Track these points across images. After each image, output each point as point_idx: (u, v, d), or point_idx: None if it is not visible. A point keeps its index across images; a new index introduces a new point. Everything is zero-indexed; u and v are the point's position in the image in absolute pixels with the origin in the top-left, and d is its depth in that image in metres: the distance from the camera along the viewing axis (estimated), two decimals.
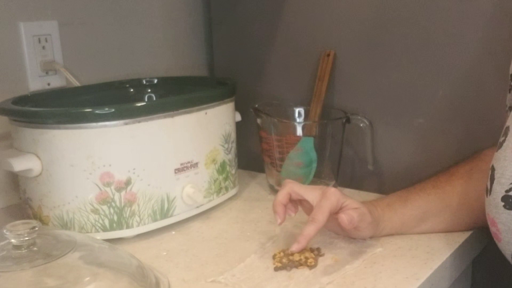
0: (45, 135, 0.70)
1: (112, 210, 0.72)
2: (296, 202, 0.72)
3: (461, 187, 0.73)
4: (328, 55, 0.92)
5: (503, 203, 0.58)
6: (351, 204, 0.68)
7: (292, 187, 0.70)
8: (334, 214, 0.68)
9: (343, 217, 0.66)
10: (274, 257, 0.69)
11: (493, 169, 0.61)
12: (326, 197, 0.67)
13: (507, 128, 0.62)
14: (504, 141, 0.61)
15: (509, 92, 0.71)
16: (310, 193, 0.69)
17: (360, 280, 0.63)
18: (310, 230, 0.66)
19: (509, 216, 0.58)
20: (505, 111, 0.73)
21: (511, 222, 0.58)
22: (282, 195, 0.70)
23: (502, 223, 0.59)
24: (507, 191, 0.58)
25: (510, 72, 0.71)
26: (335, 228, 0.73)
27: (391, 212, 0.73)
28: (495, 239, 0.62)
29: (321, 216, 0.66)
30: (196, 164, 0.80)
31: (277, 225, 0.71)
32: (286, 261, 0.67)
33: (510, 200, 0.58)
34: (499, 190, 0.59)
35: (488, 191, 0.61)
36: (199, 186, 0.81)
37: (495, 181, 0.60)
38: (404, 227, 0.73)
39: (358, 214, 0.67)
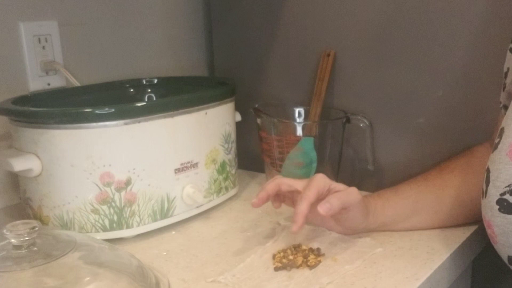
0: (45, 135, 0.70)
1: (112, 210, 0.72)
2: (281, 198, 0.74)
3: (451, 181, 0.74)
4: (328, 55, 0.92)
5: (498, 206, 0.58)
6: (338, 186, 0.70)
7: (281, 179, 0.72)
8: (322, 197, 0.68)
9: (321, 206, 0.66)
10: (274, 257, 0.69)
11: (488, 171, 0.61)
12: (314, 179, 0.69)
13: (502, 129, 0.62)
14: (499, 142, 0.61)
15: (503, 90, 0.71)
16: (299, 182, 0.71)
17: (360, 280, 0.63)
18: (302, 206, 0.66)
19: (504, 219, 0.58)
20: (498, 108, 0.73)
21: (506, 225, 0.58)
22: (271, 186, 0.72)
23: (497, 226, 0.59)
24: (501, 194, 0.58)
25: (504, 70, 0.71)
26: (329, 223, 0.75)
27: (382, 200, 0.74)
28: (491, 241, 0.62)
29: (309, 192, 0.67)
30: (196, 164, 0.80)
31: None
32: (286, 261, 0.67)
33: (505, 203, 0.58)
34: (494, 193, 0.59)
35: (484, 193, 0.61)
36: (199, 186, 0.81)
37: (490, 184, 0.60)
38: (397, 218, 0.74)
39: (344, 194, 0.68)
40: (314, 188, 0.68)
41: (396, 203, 0.74)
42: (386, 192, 0.76)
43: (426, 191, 0.74)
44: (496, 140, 0.62)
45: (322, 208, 0.66)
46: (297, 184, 0.71)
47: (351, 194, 0.69)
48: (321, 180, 0.69)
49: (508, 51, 0.70)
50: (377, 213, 0.73)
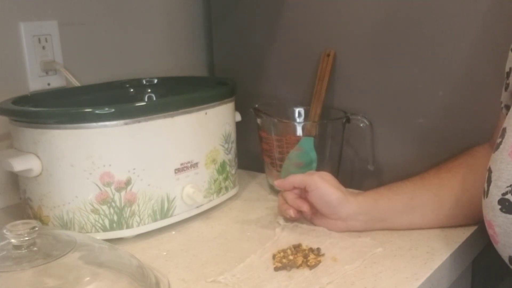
0: (45, 135, 0.70)
1: (112, 210, 0.72)
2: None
3: (448, 180, 0.74)
4: (328, 55, 0.92)
5: (499, 206, 0.58)
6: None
7: (293, 176, 0.77)
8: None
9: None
10: (274, 257, 0.69)
11: (490, 171, 0.61)
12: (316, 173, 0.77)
13: (504, 129, 0.62)
14: (501, 142, 0.61)
15: (505, 90, 0.71)
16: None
17: (360, 280, 0.63)
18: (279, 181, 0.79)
19: (506, 219, 0.58)
20: (499, 108, 0.73)
21: (508, 225, 0.58)
22: (288, 183, 0.77)
23: (498, 226, 0.59)
24: (503, 194, 0.58)
25: (506, 70, 0.71)
26: (327, 222, 0.76)
27: (375, 193, 0.75)
28: (492, 241, 0.62)
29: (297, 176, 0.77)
30: (196, 164, 0.80)
31: (284, 216, 0.80)
32: (286, 261, 0.67)
33: (507, 203, 0.57)
34: (495, 193, 0.59)
35: (485, 193, 0.61)
36: (199, 186, 0.80)
37: (491, 184, 0.60)
38: (392, 213, 0.74)
39: (301, 174, 0.76)
40: (297, 176, 0.76)
41: (390, 198, 0.74)
42: (380, 188, 0.77)
43: (422, 189, 0.74)
44: (498, 140, 0.62)
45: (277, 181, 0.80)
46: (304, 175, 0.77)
47: (303, 175, 0.76)
48: (306, 175, 0.76)
49: (510, 51, 0.70)
50: (364, 204, 0.74)
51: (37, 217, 0.74)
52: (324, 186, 0.74)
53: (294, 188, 0.77)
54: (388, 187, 0.76)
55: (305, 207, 0.75)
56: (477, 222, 0.73)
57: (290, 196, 0.77)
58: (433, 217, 0.74)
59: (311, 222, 0.78)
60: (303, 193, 0.77)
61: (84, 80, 0.94)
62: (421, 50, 0.84)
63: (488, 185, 0.61)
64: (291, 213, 0.76)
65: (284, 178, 0.79)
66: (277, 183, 0.80)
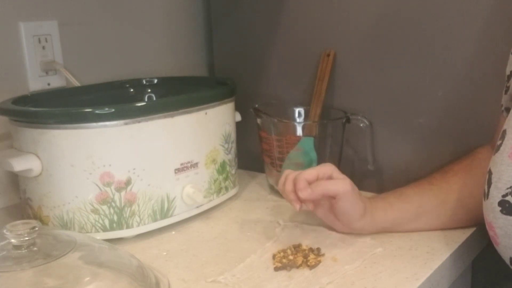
0: (45, 135, 0.70)
1: (112, 210, 0.72)
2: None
3: (456, 184, 0.74)
4: (328, 55, 0.92)
5: (500, 208, 0.58)
6: (337, 175, 0.72)
7: (293, 173, 0.72)
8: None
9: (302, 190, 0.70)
10: (274, 257, 0.69)
11: (490, 172, 0.61)
12: (320, 165, 0.73)
13: (504, 131, 0.62)
14: (501, 144, 0.61)
15: (505, 93, 0.71)
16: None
17: (360, 280, 0.63)
18: (299, 184, 0.69)
19: (506, 221, 0.58)
20: (500, 111, 0.73)
21: (508, 227, 0.58)
22: (289, 183, 0.72)
23: (499, 227, 0.59)
24: (504, 195, 0.58)
25: (507, 73, 0.71)
26: (330, 217, 0.74)
27: (385, 203, 0.74)
28: (493, 242, 0.62)
29: (309, 172, 0.71)
30: (196, 164, 0.80)
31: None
32: (286, 261, 0.67)
33: (507, 205, 0.58)
34: (496, 195, 0.59)
35: (486, 195, 0.61)
36: (199, 186, 0.80)
37: (492, 185, 0.60)
38: (399, 221, 0.74)
39: (330, 183, 0.70)
40: (315, 170, 0.71)
41: (399, 208, 0.74)
42: (389, 196, 0.75)
43: (430, 195, 0.74)
44: (498, 142, 0.62)
45: (302, 192, 0.69)
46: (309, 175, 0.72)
47: (337, 183, 0.70)
48: (325, 167, 0.72)
49: (511, 54, 0.70)
50: (376, 217, 0.73)
51: (37, 217, 0.74)
52: (355, 201, 0.71)
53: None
54: (397, 195, 0.75)
55: (311, 207, 0.73)
56: (479, 223, 0.73)
57: (305, 193, 0.69)
58: (437, 222, 0.74)
59: (313, 211, 0.75)
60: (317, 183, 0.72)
61: (84, 80, 0.94)
62: (421, 50, 0.84)
63: (489, 187, 0.61)
64: (297, 207, 0.71)
65: (313, 187, 0.70)
66: (306, 194, 0.70)
